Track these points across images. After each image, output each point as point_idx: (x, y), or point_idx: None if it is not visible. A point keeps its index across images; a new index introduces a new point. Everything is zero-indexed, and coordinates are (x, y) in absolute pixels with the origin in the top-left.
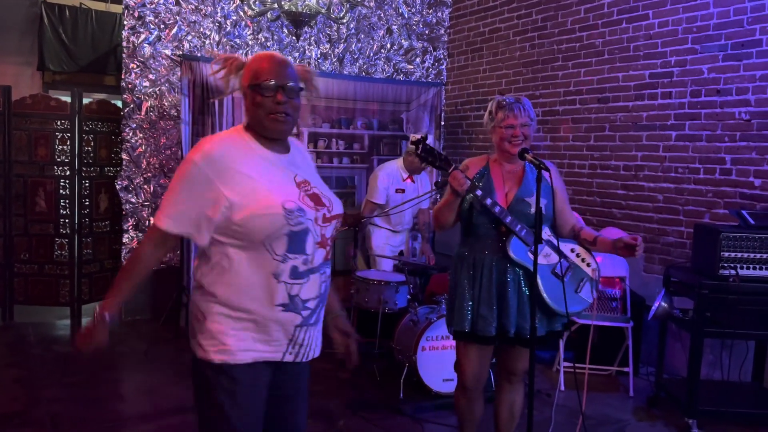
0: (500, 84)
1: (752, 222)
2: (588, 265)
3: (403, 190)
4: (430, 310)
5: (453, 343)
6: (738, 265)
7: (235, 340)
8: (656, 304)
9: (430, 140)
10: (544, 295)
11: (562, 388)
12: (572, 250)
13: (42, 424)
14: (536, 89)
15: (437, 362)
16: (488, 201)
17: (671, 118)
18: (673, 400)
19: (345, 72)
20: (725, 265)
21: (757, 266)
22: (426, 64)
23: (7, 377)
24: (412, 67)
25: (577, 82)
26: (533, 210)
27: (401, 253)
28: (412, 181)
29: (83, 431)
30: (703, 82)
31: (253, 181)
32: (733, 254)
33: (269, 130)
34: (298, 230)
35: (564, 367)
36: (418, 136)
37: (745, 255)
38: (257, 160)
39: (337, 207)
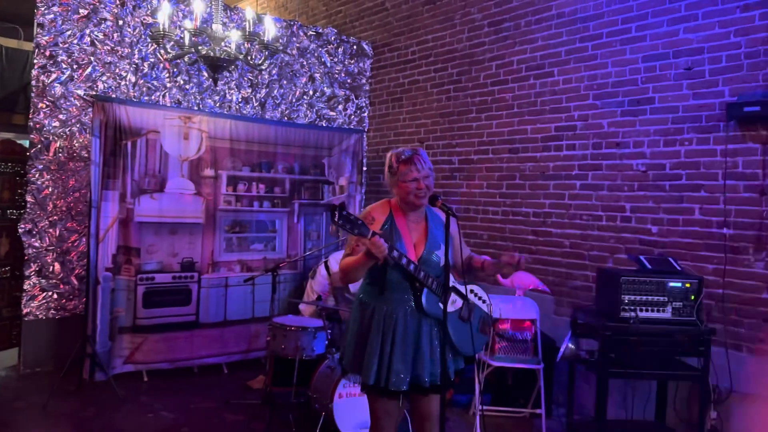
0: (419, 132)
1: (649, 267)
2: (483, 302)
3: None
4: None
5: None
6: (637, 308)
7: None
8: (564, 346)
9: (351, 187)
10: (454, 340)
11: (479, 431)
12: (471, 291)
13: None
14: (453, 138)
15: (354, 409)
16: (404, 261)
17: (575, 168)
18: None
19: (267, 116)
20: (626, 307)
21: (655, 308)
22: (348, 111)
23: None
24: (334, 113)
25: (489, 133)
26: (442, 262)
27: (319, 297)
28: None
29: None
30: (603, 135)
31: None
32: (632, 297)
33: None
34: None
35: (480, 410)
36: (336, 203)
37: (644, 298)
38: None
39: None
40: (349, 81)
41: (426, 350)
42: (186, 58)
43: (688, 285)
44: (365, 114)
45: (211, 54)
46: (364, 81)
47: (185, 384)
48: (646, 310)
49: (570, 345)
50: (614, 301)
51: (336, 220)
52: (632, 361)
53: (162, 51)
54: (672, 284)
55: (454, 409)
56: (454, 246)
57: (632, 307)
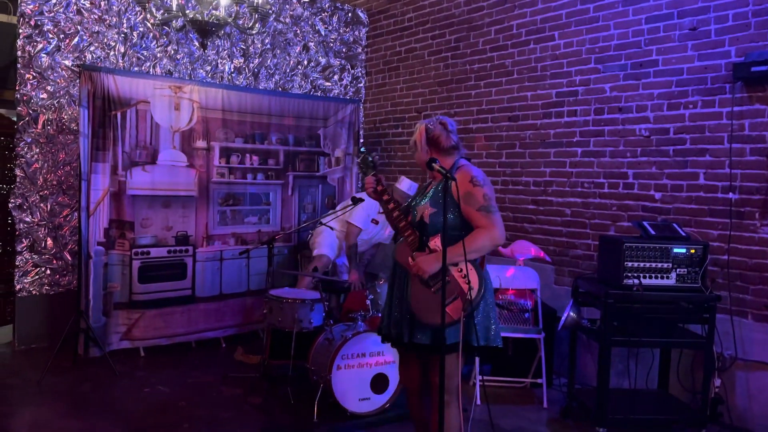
0: (417, 102)
1: (653, 233)
2: (467, 284)
3: (377, 222)
4: (346, 327)
5: (369, 360)
6: (641, 275)
7: None
8: (565, 315)
9: (347, 159)
10: (411, 302)
11: (478, 402)
12: (455, 265)
13: None
14: (451, 107)
15: (353, 381)
16: (385, 199)
17: (577, 135)
18: (584, 409)
19: (260, 87)
20: (629, 274)
21: (659, 275)
22: (344, 82)
23: None
24: (330, 84)
25: (488, 101)
26: (417, 218)
27: (315, 269)
28: (377, 223)
29: None
30: (605, 100)
31: None
32: (635, 264)
33: None
34: None
35: (480, 380)
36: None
37: (647, 265)
38: None
39: None
40: (344, 50)
41: (395, 304)
42: (174, 23)
43: (692, 251)
44: (361, 84)
45: (199, 18)
46: (359, 50)
47: (183, 359)
48: (650, 277)
49: (571, 313)
50: (617, 268)
51: (359, 160)
52: (635, 328)
53: (149, 16)
54: (676, 250)
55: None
56: (455, 206)
57: (635, 274)
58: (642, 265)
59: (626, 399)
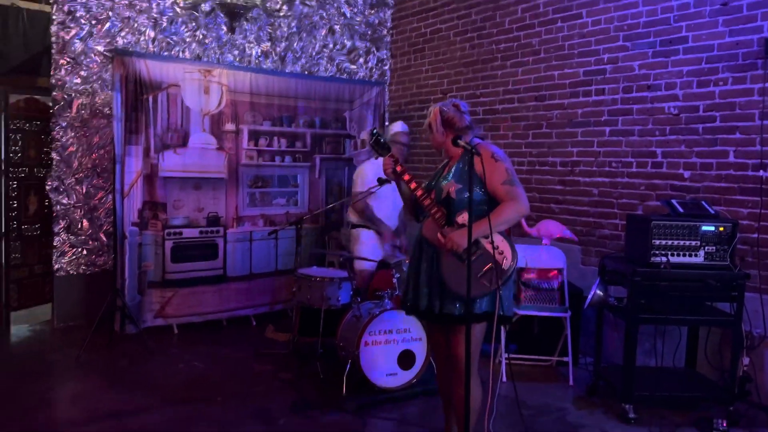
0: (442, 84)
1: (681, 210)
2: (501, 254)
3: (388, 182)
4: (374, 305)
5: (396, 337)
6: (668, 253)
7: None
8: (591, 293)
9: None
10: (444, 274)
11: (504, 379)
12: (486, 237)
13: None
14: (476, 88)
15: (380, 357)
16: (406, 178)
17: (605, 114)
18: (610, 387)
19: (287, 71)
20: (656, 252)
21: (687, 253)
22: (369, 64)
23: None
24: (355, 66)
25: (515, 81)
26: (443, 195)
27: (342, 247)
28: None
29: None
30: (634, 78)
31: None
32: (663, 242)
33: None
34: None
35: (505, 357)
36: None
37: (675, 243)
38: None
39: None
40: (369, 32)
41: (424, 278)
42: (202, 7)
43: (721, 229)
44: (387, 66)
45: (228, 1)
46: (384, 32)
47: (215, 336)
48: (678, 255)
49: (598, 292)
50: (644, 246)
51: (371, 142)
52: (662, 306)
53: (178, 0)
54: (705, 228)
55: (483, 359)
56: (480, 183)
57: (663, 252)
58: (670, 243)
59: (653, 377)
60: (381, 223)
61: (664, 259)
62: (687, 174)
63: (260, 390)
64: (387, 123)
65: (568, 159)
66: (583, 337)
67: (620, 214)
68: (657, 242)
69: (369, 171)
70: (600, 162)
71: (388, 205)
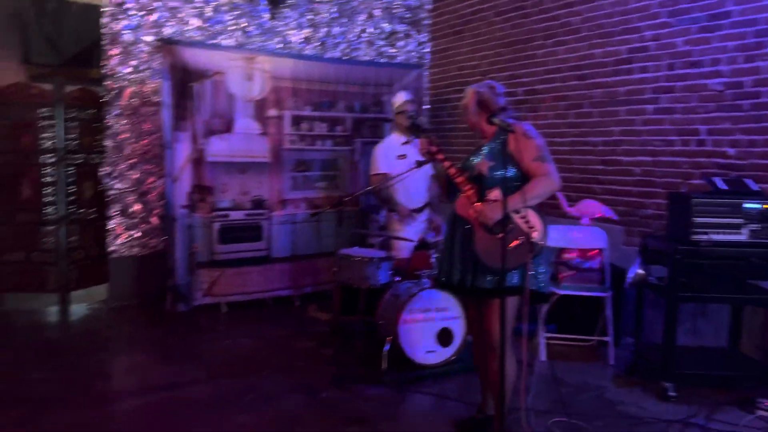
0: (482, 65)
1: (723, 188)
2: (532, 227)
3: (404, 156)
4: (412, 284)
5: (435, 315)
6: (710, 230)
7: None
8: (632, 272)
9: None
10: (477, 249)
11: (543, 358)
12: (518, 212)
13: (29, 402)
14: (517, 69)
15: (419, 334)
16: (441, 157)
17: (647, 92)
18: (651, 366)
19: (327, 56)
20: (698, 230)
21: (729, 231)
22: (409, 48)
23: None
24: (395, 50)
25: (555, 61)
26: (475, 172)
27: (382, 227)
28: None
29: (68, 407)
30: (677, 55)
31: None
32: (705, 219)
33: None
34: None
35: (545, 337)
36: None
37: (717, 220)
38: None
39: None
40: (408, 15)
41: (457, 253)
42: None
43: (765, 206)
44: (426, 50)
45: None
46: (424, 15)
47: (260, 314)
48: (720, 233)
49: (639, 270)
50: (685, 224)
51: (408, 125)
52: (703, 285)
53: None
54: (748, 205)
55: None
56: (513, 160)
57: (704, 230)
58: (712, 220)
59: (694, 355)
60: (396, 203)
61: (705, 237)
62: (732, 151)
63: (303, 365)
64: (426, 106)
65: (610, 138)
66: (625, 318)
67: (663, 194)
68: (698, 220)
69: (379, 152)
70: (642, 141)
71: (412, 185)
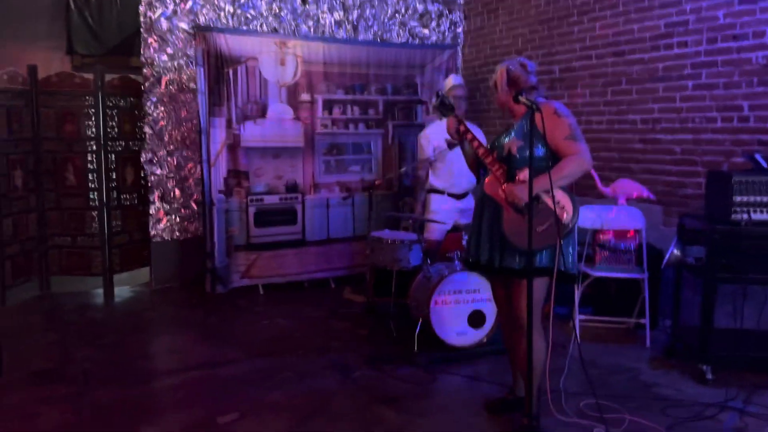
0: (517, 44)
1: (765, 165)
2: (562, 208)
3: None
4: (443, 266)
5: (466, 297)
6: (750, 209)
7: None
8: (669, 253)
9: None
10: (504, 228)
11: (577, 339)
12: (546, 192)
13: (74, 380)
14: (552, 46)
15: (451, 316)
16: (469, 137)
17: (688, 67)
18: (688, 348)
19: (360, 38)
20: (737, 209)
21: None
22: (442, 28)
23: (44, 340)
24: (427, 31)
25: (592, 37)
26: (504, 153)
27: (411, 210)
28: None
29: (112, 385)
30: (719, 28)
31: None
32: (745, 198)
33: None
34: None
35: (579, 319)
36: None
37: (759, 199)
38: None
39: None
40: None
41: (485, 233)
42: None
43: None
44: (459, 29)
45: None
46: None
47: (296, 296)
48: (761, 212)
49: (675, 251)
50: (725, 203)
51: (436, 104)
52: (743, 265)
53: None
54: None
55: (550, 320)
56: (543, 140)
57: (744, 209)
58: (752, 199)
59: (733, 338)
60: (422, 191)
61: (745, 216)
62: None
63: (337, 345)
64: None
65: (649, 116)
66: (663, 300)
67: (704, 173)
68: (738, 199)
69: (426, 137)
70: (682, 118)
71: (457, 169)
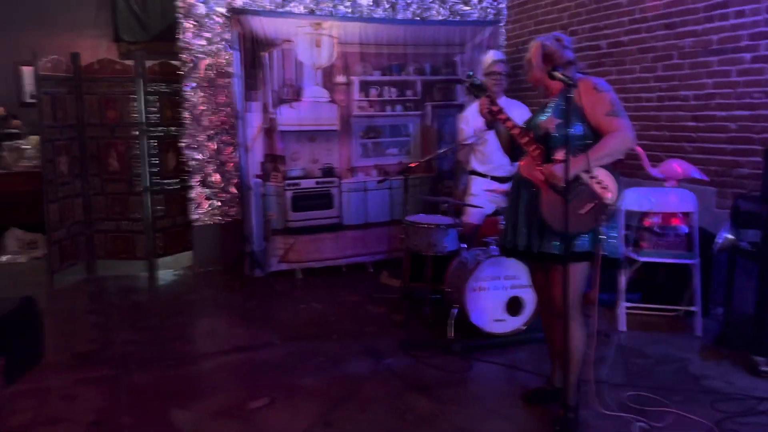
0: (562, 18)
1: None
2: (604, 188)
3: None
4: (480, 252)
5: (504, 283)
6: None
7: None
8: (721, 237)
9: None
10: (543, 211)
11: (623, 328)
12: (587, 172)
13: (113, 362)
14: (600, 20)
15: (487, 303)
16: (502, 117)
17: (745, 39)
18: (741, 338)
19: (398, 18)
20: None
21: None
22: (484, 4)
23: (87, 323)
24: (468, 7)
25: (642, 9)
26: (541, 132)
27: (448, 194)
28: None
29: (151, 367)
30: None
31: None
32: None
33: None
34: None
35: (624, 306)
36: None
37: None
38: None
39: None
40: None
41: (522, 217)
42: None
43: None
44: (502, 5)
45: None
46: None
47: (333, 280)
48: None
49: (728, 235)
50: None
51: (466, 85)
52: None
53: None
54: None
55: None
56: (582, 117)
57: None
58: None
59: None
60: (463, 174)
61: None
62: None
63: (372, 330)
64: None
65: (702, 92)
66: (716, 287)
67: (762, 151)
68: None
69: (465, 119)
70: (739, 93)
71: (495, 152)
